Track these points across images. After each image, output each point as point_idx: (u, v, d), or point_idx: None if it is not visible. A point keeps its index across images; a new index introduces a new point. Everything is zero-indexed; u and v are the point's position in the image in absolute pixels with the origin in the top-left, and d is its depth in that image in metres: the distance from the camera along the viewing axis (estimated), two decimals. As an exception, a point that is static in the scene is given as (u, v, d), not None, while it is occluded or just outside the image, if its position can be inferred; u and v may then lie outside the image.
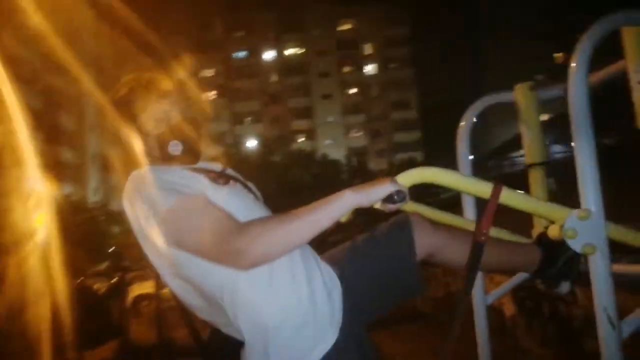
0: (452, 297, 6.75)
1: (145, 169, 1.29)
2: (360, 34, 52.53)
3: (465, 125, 2.00)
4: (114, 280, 10.73)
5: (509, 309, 5.37)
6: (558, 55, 52.13)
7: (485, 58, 59.18)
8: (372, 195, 1.16)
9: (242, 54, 50.31)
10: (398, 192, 1.15)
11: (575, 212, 1.22)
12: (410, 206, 1.68)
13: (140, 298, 10.37)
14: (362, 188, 1.16)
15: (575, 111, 1.27)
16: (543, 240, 1.55)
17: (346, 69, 51.97)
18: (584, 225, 1.21)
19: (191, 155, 1.36)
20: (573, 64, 1.28)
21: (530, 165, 1.94)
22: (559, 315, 4.40)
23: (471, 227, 1.81)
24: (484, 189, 1.25)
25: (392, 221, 1.42)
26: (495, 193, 1.23)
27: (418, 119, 51.31)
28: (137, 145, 1.33)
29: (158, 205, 1.16)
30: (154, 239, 1.20)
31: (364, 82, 52.17)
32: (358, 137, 50.55)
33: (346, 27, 52.65)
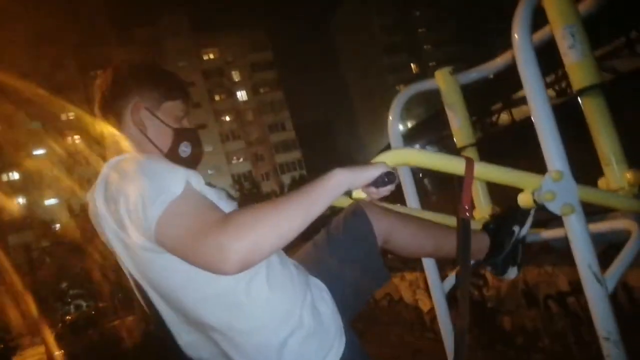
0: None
1: (139, 155, 1.10)
2: (226, 62, 52.57)
3: (393, 117, 1.96)
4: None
5: (425, 303, 5.51)
6: (414, 66, 56.53)
7: (346, 74, 62.28)
8: (365, 174, 1.03)
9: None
10: (388, 173, 1.05)
11: (548, 175, 1.20)
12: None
13: (25, 370, 9.20)
14: (353, 167, 1.04)
15: (526, 73, 1.26)
16: (490, 227, 1.57)
17: (217, 98, 51.56)
18: (559, 186, 1.19)
19: (193, 165, 1.21)
20: (516, 27, 1.28)
21: (462, 148, 1.95)
22: (473, 300, 4.58)
23: (417, 213, 1.77)
24: (457, 165, 1.19)
25: (346, 212, 1.35)
26: (469, 168, 1.18)
27: (295, 139, 52.34)
28: (146, 127, 1.18)
29: (162, 194, 0.95)
30: (137, 237, 0.99)
31: (237, 109, 52.17)
32: (241, 163, 50.18)
33: (210, 56, 52.38)
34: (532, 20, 1.31)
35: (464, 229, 1.19)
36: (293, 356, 1.05)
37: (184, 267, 0.98)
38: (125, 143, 1.17)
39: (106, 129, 1.20)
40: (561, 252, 3.44)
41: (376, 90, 56.36)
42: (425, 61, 54.91)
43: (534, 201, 1.24)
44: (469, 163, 1.19)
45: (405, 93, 1.99)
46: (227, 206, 1.07)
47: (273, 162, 51.09)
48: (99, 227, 1.11)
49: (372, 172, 1.05)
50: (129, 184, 0.99)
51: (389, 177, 1.04)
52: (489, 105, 15.41)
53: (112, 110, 1.18)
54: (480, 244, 1.51)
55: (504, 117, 16.66)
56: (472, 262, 1.56)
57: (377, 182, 1.06)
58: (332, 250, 1.29)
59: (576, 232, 1.21)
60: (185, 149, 1.21)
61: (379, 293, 6.23)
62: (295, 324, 1.06)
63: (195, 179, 1.01)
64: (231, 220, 0.91)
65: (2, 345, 7.48)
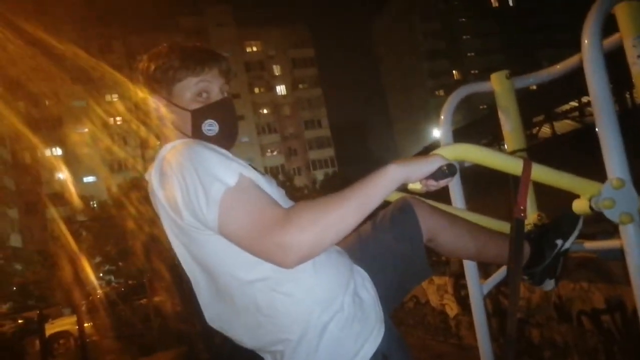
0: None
1: (193, 141, 1.09)
2: (268, 56, 52.98)
3: (445, 115, 1.97)
4: (21, 320, 9.77)
5: (452, 308, 5.47)
6: (456, 72, 55.80)
7: (385, 77, 61.93)
8: (422, 168, 1.05)
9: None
10: (449, 165, 1.06)
11: (609, 182, 1.19)
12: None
13: (56, 337, 9.51)
14: (408, 161, 1.05)
15: (594, 80, 1.26)
16: (532, 237, 1.55)
17: (257, 90, 52.06)
18: (620, 194, 1.19)
19: (226, 140, 1.19)
20: (586, 33, 1.27)
21: (512, 153, 1.94)
22: (502, 309, 4.52)
23: (462, 214, 1.77)
24: (515, 165, 1.20)
25: (393, 206, 1.36)
26: (527, 168, 1.18)
27: (330, 137, 52.41)
28: (167, 117, 1.16)
29: (217, 182, 0.98)
30: (190, 220, 1.02)
31: (275, 103, 52.57)
32: (274, 156, 50.56)
33: (253, 49, 52.89)
34: (603, 26, 1.30)
35: (518, 229, 1.19)
36: (333, 340, 1.06)
37: (234, 249, 1.01)
38: (168, 130, 1.19)
39: (150, 117, 1.22)
40: (602, 266, 3.37)
41: (414, 95, 55.89)
42: (467, 68, 54.17)
43: (591, 207, 1.23)
44: (527, 164, 1.19)
45: (459, 92, 1.99)
46: (278, 195, 1.09)
47: (306, 158, 51.30)
48: (155, 206, 1.15)
49: (430, 166, 1.06)
50: (182, 170, 1.00)
51: (450, 169, 1.05)
52: (530, 117, 15.10)
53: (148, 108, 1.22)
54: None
55: (545, 130, 16.30)
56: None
57: (436, 175, 1.07)
58: (377, 242, 1.30)
59: (632, 242, 1.20)
60: (209, 128, 1.16)
61: (406, 295, 6.20)
62: (337, 309, 1.08)
63: (247, 171, 1.03)
64: (292, 219, 0.95)
65: (38, 312, 7.72)
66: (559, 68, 1.93)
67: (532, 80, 2.00)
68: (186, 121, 1.16)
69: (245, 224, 0.97)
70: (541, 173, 1.23)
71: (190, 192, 0.99)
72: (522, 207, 1.17)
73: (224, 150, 1.07)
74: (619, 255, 1.30)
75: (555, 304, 3.98)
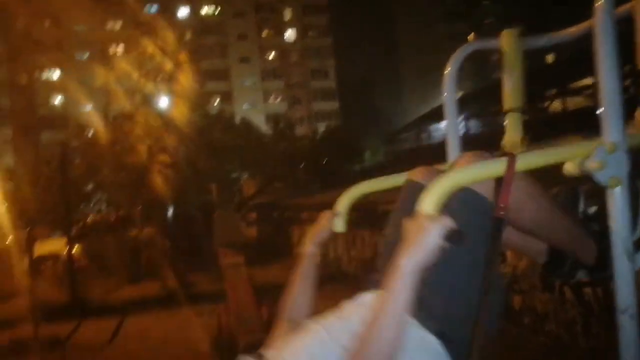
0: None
1: None
2: (279, -1, 51.55)
3: (451, 69, 1.94)
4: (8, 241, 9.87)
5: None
6: (470, 37, 54.31)
7: (400, 36, 60.55)
8: (426, 248, 1.04)
9: (153, 8, 47.12)
10: (451, 231, 1.04)
11: (603, 145, 1.19)
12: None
13: (43, 258, 9.67)
14: (410, 248, 1.04)
15: (602, 39, 1.23)
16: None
17: (265, 33, 50.89)
18: (612, 158, 1.19)
19: None
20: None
21: (508, 111, 1.92)
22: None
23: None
24: (498, 167, 1.18)
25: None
26: (511, 165, 1.16)
27: (335, 90, 51.66)
28: None
29: None
30: None
31: (283, 48, 51.43)
32: (277, 104, 49.97)
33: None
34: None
35: (495, 229, 1.14)
36: None
37: None
38: None
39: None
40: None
41: (428, 56, 54.72)
42: (485, 34, 52.64)
43: (581, 169, 1.23)
44: (511, 160, 1.16)
45: (466, 47, 1.96)
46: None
47: (309, 108, 50.76)
48: None
49: (431, 240, 1.04)
50: None
51: (453, 235, 1.04)
52: (543, 91, 14.93)
53: None
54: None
55: (556, 105, 16.15)
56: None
57: (449, 239, 1.04)
58: (447, 272, 1.18)
59: (618, 205, 1.21)
60: None
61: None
62: None
63: None
64: None
65: (28, 229, 7.81)
66: (572, 31, 1.89)
67: (543, 42, 1.96)
68: None
69: None
70: (529, 160, 1.23)
71: None
72: (503, 206, 1.14)
73: None
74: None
75: (541, 274, 4.04)
